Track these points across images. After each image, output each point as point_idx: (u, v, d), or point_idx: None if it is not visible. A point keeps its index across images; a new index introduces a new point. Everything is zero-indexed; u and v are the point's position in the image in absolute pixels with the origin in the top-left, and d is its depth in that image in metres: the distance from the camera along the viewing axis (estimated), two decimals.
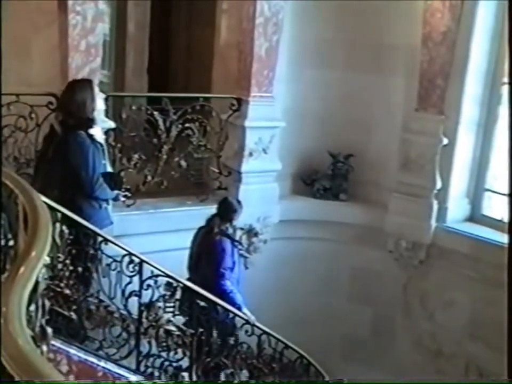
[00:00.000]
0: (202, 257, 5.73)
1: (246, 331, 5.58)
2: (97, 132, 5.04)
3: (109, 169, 5.34)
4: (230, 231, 5.88)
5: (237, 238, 7.02)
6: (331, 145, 7.56)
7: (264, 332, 5.65)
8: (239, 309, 5.58)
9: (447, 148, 7.09)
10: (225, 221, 5.78)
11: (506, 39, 6.89)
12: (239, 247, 5.95)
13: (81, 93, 4.92)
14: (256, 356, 5.66)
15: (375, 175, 7.63)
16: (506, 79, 6.97)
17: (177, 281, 5.02)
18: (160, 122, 6.47)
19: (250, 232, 7.19)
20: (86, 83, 5.10)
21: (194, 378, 5.27)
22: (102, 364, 4.67)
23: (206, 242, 5.74)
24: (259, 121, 7.00)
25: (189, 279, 5.46)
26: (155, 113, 6.45)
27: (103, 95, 6.02)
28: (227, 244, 5.69)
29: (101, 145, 5.06)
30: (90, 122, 4.94)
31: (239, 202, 5.96)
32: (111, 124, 6.15)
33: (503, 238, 6.83)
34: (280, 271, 6.64)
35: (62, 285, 4.52)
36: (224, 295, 5.50)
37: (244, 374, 5.71)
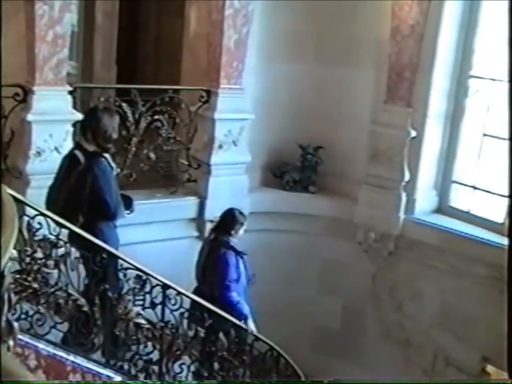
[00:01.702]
0: (209, 268, 5.89)
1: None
2: (108, 156, 5.18)
3: None
4: (235, 241, 5.97)
5: (207, 231, 7.05)
6: (300, 137, 7.57)
7: (234, 324, 5.65)
8: (245, 319, 5.74)
9: (415, 140, 7.15)
10: (225, 233, 5.92)
11: (476, 33, 6.97)
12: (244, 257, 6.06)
13: (109, 121, 5.08)
14: (226, 349, 5.66)
15: (344, 167, 7.67)
16: (473, 72, 7.05)
17: (146, 274, 4.99)
18: (129, 114, 6.42)
19: None
20: (113, 112, 5.36)
21: (165, 371, 5.28)
22: (71, 358, 4.63)
23: (212, 255, 5.91)
24: (228, 113, 6.99)
25: (196, 288, 5.70)
26: (124, 105, 6.40)
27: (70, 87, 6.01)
28: (231, 256, 5.84)
29: (112, 168, 5.24)
30: (108, 150, 5.12)
31: (240, 213, 6.04)
32: (79, 116, 6.09)
33: (470, 230, 6.95)
34: (250, 263, 6.62)
35: (29, 278, 4.48)
36: (231, 306, 5.67)
37: (214, 367, 5.71)
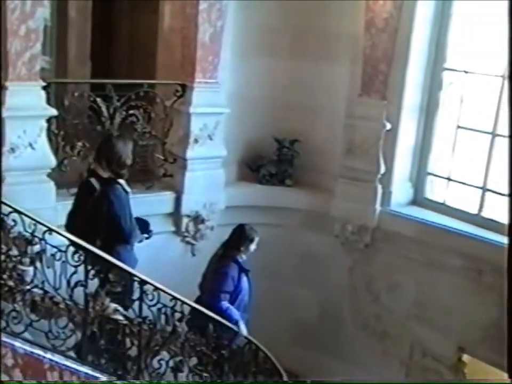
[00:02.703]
0: (209, 277, 6.08)
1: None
2: (122, 181, 5.38)
3: None
4: (244, 258, 6.11)
5: (184, 226, 7.05)
6: (276, 131, 7.57)
7: (213, 319, 5.65)
8: (237, 323, 5.83)
9: (390, 132, 7.18)
10: (235, 249, 6.05)
11: (449, 26, 7.02)
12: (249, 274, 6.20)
13: (123, 148, 5.34)
14: (205, 343, 5.66)
15: (321, 160, 7.68)
16: (446, 65, 7.09)
17: (123, 270, 4.97)
18: (104, 109, 6.40)
19: (197, 219, 7.17)
20: (127, 139, 5.60)
21: (143, 367, 5.27)
22: (49, 356, 4.60)
23: (215, 265, 6.08)
24: (204, 107, 6.97)
25: (198, 297, 5.85)
26: (98, 100, 6.37)
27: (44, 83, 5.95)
28: (233, 269, 5.98)
29: (127, 193, 5.42)
30: (123, 175, 5.34)
31: (251, 228, 6.15)
32: (54, 112, 6.04)
33: (446, 221, 7.01)
34: None
35: (5, 276, 4.45)
36: (220, 313, 5.72)
37: (193, 361, 5.71)
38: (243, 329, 5.89)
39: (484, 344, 6.67)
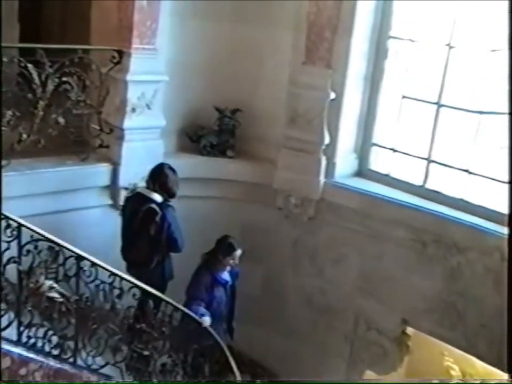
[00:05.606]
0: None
1: (134, 295, 5.39)
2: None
3: None
4: (224, 269, 6.36)
5: (122, 199, 6.84)
6: (217, 99, 7.39)
7: (153, 296, 5.50)
8: (201, 316, 5.96)
9: (334, 102, 7.06)
10: (212, 257, 6.32)
11: None
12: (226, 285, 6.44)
13: (173, 179, 6.30)
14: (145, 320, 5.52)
15: (263, 130, 7.54)
16: (392, 33, 6.99)
17: (59, 245, 4.81)
18: (35, 75, 6.06)
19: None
20: (175, 171, 6.38)
21: (81, 346, 5.11)
22: None
23: (195, 271, 6.41)
24: (142, 75, 6.74)
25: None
26: (29, 66, 6.03)
27: None
28: (205, 277, 6.25)
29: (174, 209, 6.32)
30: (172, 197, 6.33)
31: (233, 241, 6.36)
32: None
33: (390, 192, 6.98)
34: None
35: None
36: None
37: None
38: (206, 321, 5.89)
39: (427, 316, 6.69)
